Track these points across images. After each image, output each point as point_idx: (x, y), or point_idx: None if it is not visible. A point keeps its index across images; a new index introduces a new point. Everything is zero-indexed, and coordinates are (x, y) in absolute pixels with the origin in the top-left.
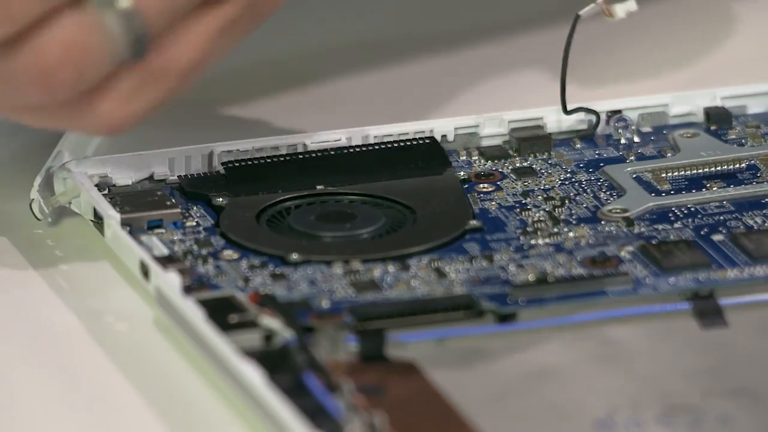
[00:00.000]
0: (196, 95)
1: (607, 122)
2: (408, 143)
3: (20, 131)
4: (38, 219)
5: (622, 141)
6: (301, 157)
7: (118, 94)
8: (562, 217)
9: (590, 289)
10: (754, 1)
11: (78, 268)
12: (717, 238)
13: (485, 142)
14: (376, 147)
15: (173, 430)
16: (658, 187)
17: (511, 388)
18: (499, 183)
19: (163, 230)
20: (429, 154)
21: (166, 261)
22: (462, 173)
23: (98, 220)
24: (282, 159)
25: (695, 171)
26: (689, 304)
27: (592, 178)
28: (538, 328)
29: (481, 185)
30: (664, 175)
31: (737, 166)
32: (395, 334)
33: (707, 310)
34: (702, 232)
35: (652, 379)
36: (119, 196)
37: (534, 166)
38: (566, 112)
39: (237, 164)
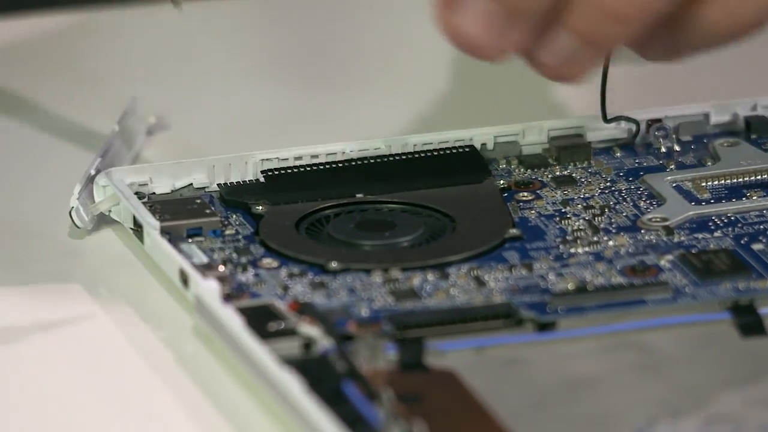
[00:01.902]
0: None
1: (647, 131)
2: (448, 152)
3: (62, 139)
4: (78, 227)
5: (662, 150)
6: (340, 165)
7: None
8: (602, 225)
9: (630, 298)
10: None
11: (117, 276)
12: (757, 247)
13: (525, 151)
14: (416, 155)
15: None
16: (698, 196)
17: (550, 396)
18: (538, 192)
19: (202, 238)
20: (469, 162)
21: (205, 269)
22: (502, 182)
23: (138, 228)
24: (321, 167)
25: (735, 180)
26: (729, 314)
27: (632, 187)
28: (578, 337)
29: (521, 194)
30: (704, 184)
31: None
32: (434, 343)
33: (747, 319)
34: (742, 241)
35: (691, 389)
36: (159, 204)
37: (574, 175)
38: (606, 120)
39: (276, 172)
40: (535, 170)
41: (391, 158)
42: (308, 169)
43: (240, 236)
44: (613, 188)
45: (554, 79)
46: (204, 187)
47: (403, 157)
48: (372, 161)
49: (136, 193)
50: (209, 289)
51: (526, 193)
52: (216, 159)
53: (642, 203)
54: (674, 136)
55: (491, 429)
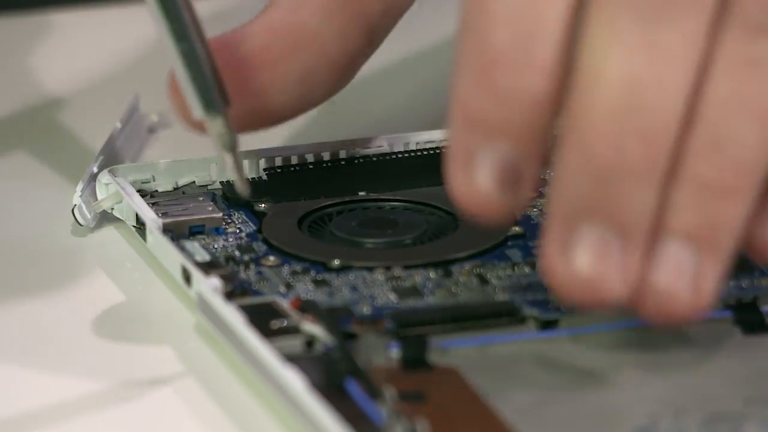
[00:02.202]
0: None
1: None
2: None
3: (64, 137)
4: (80, 224)
5: None
6: (343, 162)
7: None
8: None
9: None
10: None
11: (119, 273)
12: None
13: None
14: (419, 153)
15: None
16: None
17: (552, 394)
18: (541, 189)
19: (205, 236)
20: None
21: (207, 267)
22: None
23: (140, 225)
24: (324, 165)
25: None
26: (731, 312)
27: None
28: (580, 335)
29: None
30: None
31: None
32: (437, 341)
33: (750, 317)
34: None
35: (694, 387)
36: (161, 202)
37: None
38: None
39: (279, 170)
40: None
41: (394, 156)
42: (311, 167)
43: (242, 234)
44: None
45: (664, 317)
46: (206, 185)
47: (406, 154)
48: (375, 159)
49: (139, 191)
50: (211, 286)
51: None
52: (218, 157)
53: None
54: None
55: (494, 427)
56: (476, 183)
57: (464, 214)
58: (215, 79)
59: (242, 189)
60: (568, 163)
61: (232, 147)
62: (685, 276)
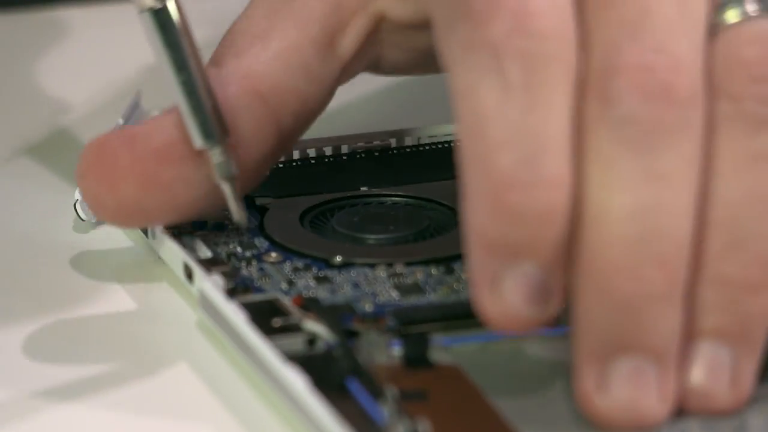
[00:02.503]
0: None
1: None
2: (454, 145)
3: (66, 133)
4: (82, 220)
5: None
6: (345, 158)
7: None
8: None
9: None
10: None
11: (121, 269)
12: None
13: None
14: (421, 148)
15: (217, 430)
16: None
17: (555, 392)
18: None
19: (206, 232)
20: None
21: (209, 263)
22: None
23: None
24: (326, 160)
25: None
26: None
27: None
28: None
29: None
30: None
31: None
32: (439, 338)
33: None
34: None
35: None
36: None
37: None
38: None
39: (280, 165)
40: None
41: (396, 151)
42: (312, 161)
43: (244, 230)
44: None
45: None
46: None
47: (408, 149)
48: (377, 154)
49: None
50: (213, 284)
51: None
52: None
53: None
54: None
55: (496, 425)
56: (505, 304)
57: (495, 330)
58: (213, 110)
59: (239, 218)
60: (589, 300)
61: (229, 176)
62: (723, 373)
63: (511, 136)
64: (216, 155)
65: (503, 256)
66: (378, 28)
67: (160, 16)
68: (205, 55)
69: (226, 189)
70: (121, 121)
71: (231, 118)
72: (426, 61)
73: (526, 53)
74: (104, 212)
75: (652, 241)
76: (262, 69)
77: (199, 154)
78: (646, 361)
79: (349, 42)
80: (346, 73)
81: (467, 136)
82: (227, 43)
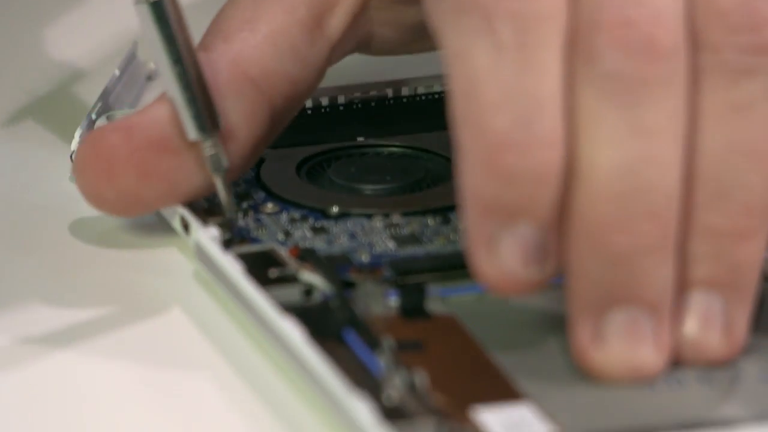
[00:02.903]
0: None
1: None
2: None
3: (62, 84)
4: None
5: None
6: (341, 108)
7: None
8: None
9: None
10: None
11: (117, 221)
12: None
13: None
14: (418, 98)
15: (213, 383)
16: None
17: (551, 343)
18: None
19: None
20: None
21: (205, 214)
22: None
23: None
24: (322, 110)
25: None
26: None
27: None
28: None
29: None
30: None
31: None
32: (436, 289)
33: None
34: None
35: None
36: None
37: None
38: None
39: None
40: None
41: (393, 101)
42: (309, 111)
43: (241, 180)
44: None
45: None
46: None
47: (405, 100)
48: (374, 104)
49: None
50: (209, 235)
51: None
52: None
53: None
54: None
55: (492, 375)
56: (503, 266)
57: (493, 293)
58: (206, 102)
59: (229, 210)
60: (582, 255)
61: (221, 169)
62: (716, 323)
63: (505, 97)
64: (208, 147)
65: (500, 218)
66: (366, 5)
67: (156, 8)
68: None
69: (217, 181)
70: (117, 72)
71: (224, 103)
72: (416, 38)
73: (517, 13)
74: (104, 204)
75: (642, 194)
76: (251, 53)
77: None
78: (641, 313)
79: (337, 22)
80: (335, 54)
81: (461, 99)
82: (215, 28)
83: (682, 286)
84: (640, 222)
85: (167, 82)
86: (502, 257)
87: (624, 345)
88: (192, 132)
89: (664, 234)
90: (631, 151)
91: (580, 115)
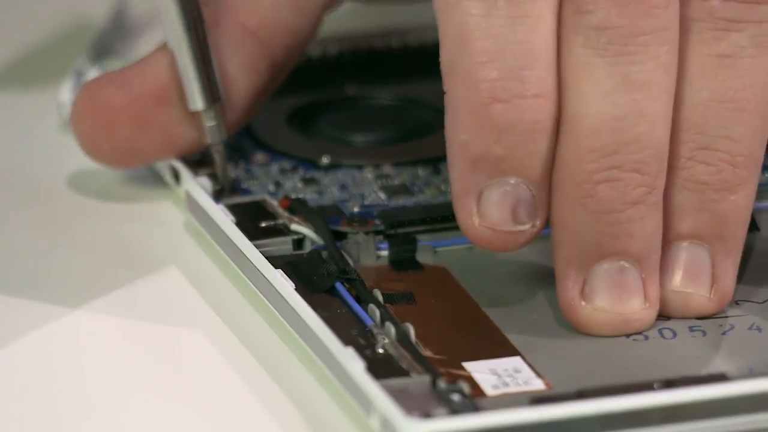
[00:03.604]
0: None
1: None
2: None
3: (50, 32)
4: (67, 123)
5: None
6: (332, 59)
7: None
8: None
9: None
10: None
11: (107, 172)
12: None
13: None
14: (409, 50)
15: (204, 334)
16: None
17: (543, 294)
18: None
19: None
20: None
21: (196, 165)
22: None
23: None
24: (313, 61)
25: None
26: None
27: None
28: None
29: None
30: None
31: None
32: (426, 240)
33: None
34: None
35: None
36: None
37: None
38: None
39: None
40: None
41: (384, 52)
42: (300, 63)
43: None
44: None
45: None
46: None
47: (396, 51)
48: (364, 55)
49: None
50: (200, 185)
51: None
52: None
53: None
54: None
55: (483, 326)
56: (489, 219)
57: (479, 247)
58: (211, 74)
59: (225, 183)
60: (568, 208)
61: (219, 140)
62: (703, 275)
63: (496, 50)
64: (209, 118)
65: (487, 170)
66: None
67: None
68: None
69: (215, 152)
70: (107, 18)
71: (223, 54)
72: None
73: None
74: (100, 155)
75: (629, 147)
76: (249, 4)
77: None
78: (628, 265)
79: None
80: (333, 2)
81: (449, 51)
82: None
83: (669, 239)
84: (626, 174)
85: (176, 49)
86: (489, 212)
87: (612, 297)
88: (198, 102)
89: (651, 187)
90: (620, 104)
91: (570, 68)
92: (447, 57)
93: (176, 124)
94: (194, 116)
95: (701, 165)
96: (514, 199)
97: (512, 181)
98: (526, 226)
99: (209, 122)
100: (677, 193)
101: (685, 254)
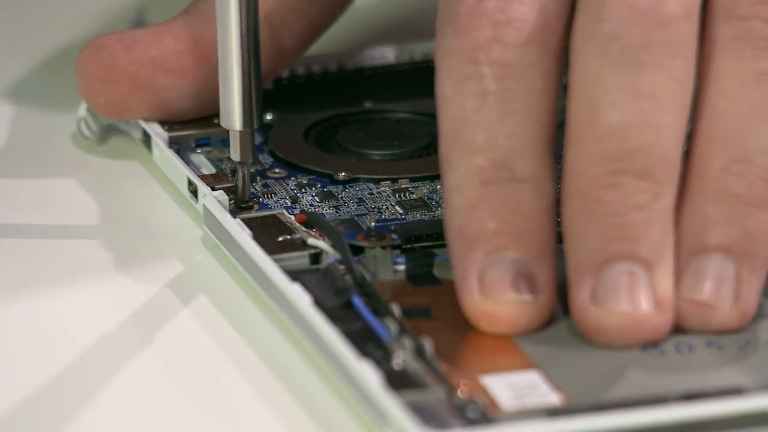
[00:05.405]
0: None
1: None
2: None
3: (70, 47)
4: (86, 137)
5: None
6: (349, 73)
7: None
8: None
9: None
10: None
11: (126, 187)
12: None
13: None
14: (425, 64)
15: (221, 348)
16: None
17: (558, 309)
18: None
19: (210, 148)
20: None
21: (213, 180)
22: None
23: (146, 138)
24: (331, 76)
25: None
26: None
27: None
28: None
29: None
30: None
31: None
32: (443, 254)
33: None
34: None
35: None
36: None
37: None
38: None
39: (285, 81)
40: None
41: (401, 67)
42: (317, 78)
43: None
44: None
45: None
46: None
47: (413, 65)
48: (382, 70)
49: None
50: (217, 200)
51: None
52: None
53: None
54: None
55: (501, 340)
56: (491, 293)
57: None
58: (258, 99)
59: (243, 198)
60: (575, 215)
61: (249, 160)
62: (728, 288)
63: (488, 141)
64: (244, 140)
65: (484, 247)
66: None
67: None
68: None
69: (241, 170)
70: None
71: None
72: None
73: (499, 61)
74: (96, 107)
75: (635, 155)
76: None
77: (198, 70)
78: (636, 269)
79: None
80: None
81: (447, 141)
82: None
83: (696, 250)
84: (630, 180)
85: (227, 69)
86: (490, 285)
87: (621, 300)
88: (236, 123)
89: (657, 194)
90: (629, 114)
91: (579, 74)
92: (443, 149)
93: (173, 91)
94: (195, 89)
95: (734, 177)
96: (513, 271)
97: (510, 255)
98: (529, 297)
99: (244, 143)
100: (708, 205)
101: (711, 266)
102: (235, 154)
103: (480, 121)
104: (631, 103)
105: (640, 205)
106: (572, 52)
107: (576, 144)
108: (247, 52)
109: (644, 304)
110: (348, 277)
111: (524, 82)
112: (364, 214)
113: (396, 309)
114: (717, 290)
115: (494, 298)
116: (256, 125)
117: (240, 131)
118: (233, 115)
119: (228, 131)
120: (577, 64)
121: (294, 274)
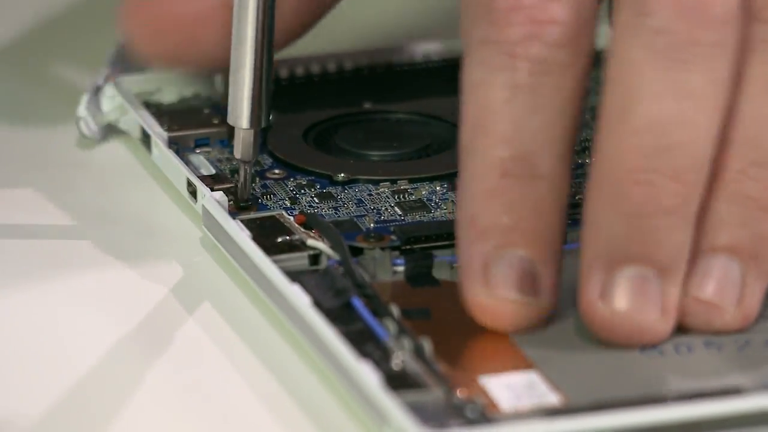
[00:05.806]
0: None
1: None
2: (457, 61)
3: (70, 49)
4: (86, 137)
5: None
6: (348, 74)
7: None
8: None
9: None
10: None
11: (125, 187)
12: None
13: None
14: (425, 64)
15: (221, 348)
16: None
17: (559, 309)
18: None
19: (210, 148)
20: None
21: (212, 180)
22: None
23: (145, 138)
24: (329, 76)
25: None
26: None
27: None
28: None
29: None
30: None
31: None
32: (443, 256)
33: None
34: None
35: None
36: (166, 114)
37: None
38: None
39: (284, 82)
40: None
41: (400, 67)
42: (316, 78)
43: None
44: None
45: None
46: (211, 97)
47: (412, 66)
48: (380, 70)
49: (144, 103)
50: (216, 201)
51: None
52: (224, 69)
53: None
54: None
55: (500, 340)
56: (495, 292)
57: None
58: (267, 98)
59: (243, 197)
60: (600, 207)
61: (251, 159)
62: (731, 288)
63: (509, 132)
64: (249, 138)
65: (495, 240)
66: None
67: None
68: None
69: (243, 169)
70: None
71: None
72: None
73: (537, 58)
74: (141, 57)
75: (670, 153)
76: None
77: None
78: (650, 274)
79: None
80: None
81: (472, 129)
82: None
83: (703, 250)
84: (663, 179)
85: (238, 65)
86: (495, 285)
87: (630, 304)
88: (243, 121)
89: (686, 197)
90: (668, 109)
91: (620, 64)
92: (466, 136)
93: (214, 46)
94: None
95: (751, 180)
96: (520, 271)
97: (519, 254)
98: (532, 299)
99: (248, 141)
100: (721, 205)
101: (717, 266)
102: (238, 151)
103: (508, 113)
104: (672, 99)
105: (669, 209)
106: (614, 43)
107: (610, 133)
108: (261, 52)
109: (651, 312)
110: (347, 278)
111: (556, 81)
112: (364, 216)
113: (395, 310)
114: (721, 290)
115: (497, 294)
116: (263, 124)
117: (246, 129)
118: (241, 112)
119: (228, 132)
120: (618, 56)
121: (293, 275)
